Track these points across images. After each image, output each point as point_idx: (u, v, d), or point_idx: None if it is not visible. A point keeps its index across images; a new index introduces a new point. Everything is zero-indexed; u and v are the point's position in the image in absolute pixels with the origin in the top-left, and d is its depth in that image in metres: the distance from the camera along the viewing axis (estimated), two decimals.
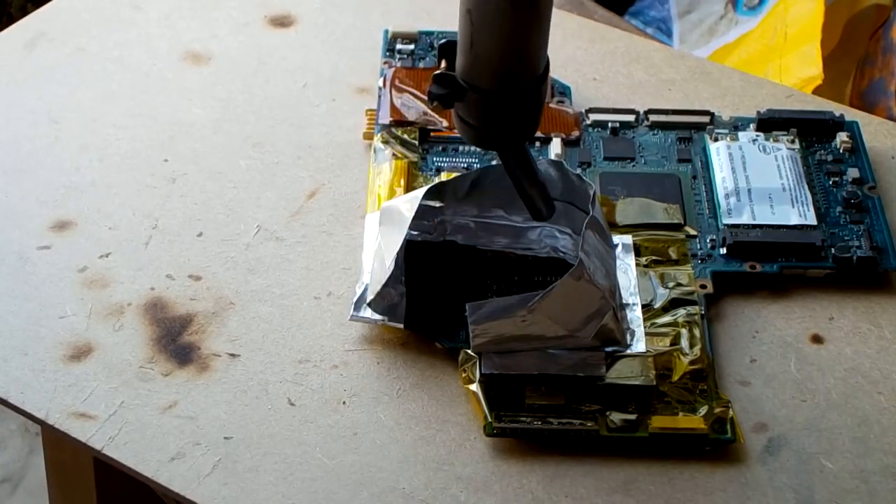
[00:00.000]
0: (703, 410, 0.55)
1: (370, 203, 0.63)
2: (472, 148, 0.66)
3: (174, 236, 0.63)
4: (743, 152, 0.66)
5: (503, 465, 0.54)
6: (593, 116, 0.68)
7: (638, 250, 0.61)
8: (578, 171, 0.64)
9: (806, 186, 0.64)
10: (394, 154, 0.65)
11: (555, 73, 0.69)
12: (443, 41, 0.55)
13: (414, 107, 0.67)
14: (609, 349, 0.56)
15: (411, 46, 0.72)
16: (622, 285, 0.59)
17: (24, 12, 1.06)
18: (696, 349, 0.57)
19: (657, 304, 0.59)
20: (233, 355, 0.58)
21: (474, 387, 0.55)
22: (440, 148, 0.66)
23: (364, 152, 0.67)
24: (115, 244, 0.62)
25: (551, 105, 0.68)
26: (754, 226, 0.62)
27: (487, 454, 0.54)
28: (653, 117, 0.68)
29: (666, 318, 0.58)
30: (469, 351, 0.56)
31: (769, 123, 0.68)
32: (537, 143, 0.67)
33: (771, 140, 0.67)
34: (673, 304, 0.59)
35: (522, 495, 0.53)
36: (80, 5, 0.77)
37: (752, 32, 1.08)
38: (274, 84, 0.72)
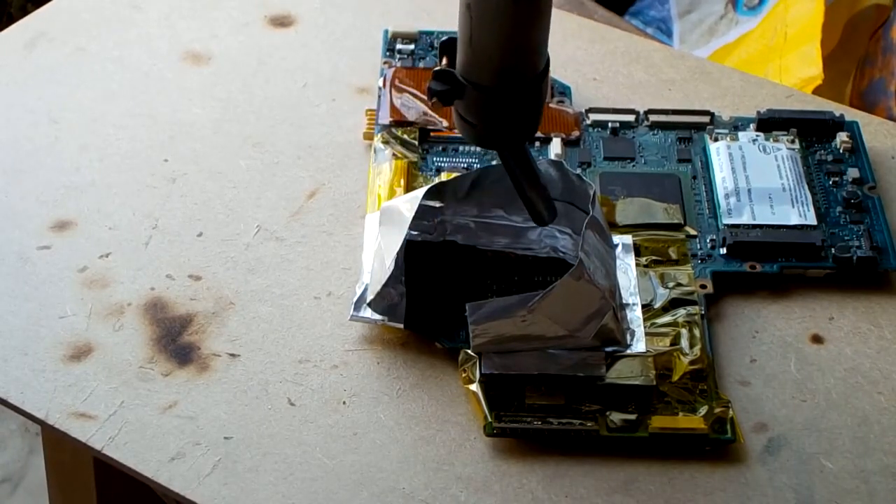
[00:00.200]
0: (703, 410, 0.55)
1: (370, 203, 0.63)
2: (472, 148, 0.66)
3: (174, 236, 0.63)
4: (743, 152, 0.66)
5: (503, 465, 0.54)
6: (593, 116, 0.68)
7: (638, 250, 0.61)
8: (578, 171, 0.64)
9: (806, 186, 0.64)
10: (394, 154, 0.65)
11: (555, 73, 0.69)
12: (444, 38, 0.55)
13: (414, 107, 0.67)
14: (609, 349, 0.56)
15: (411, 46, 0.72)
16: (622, 285, 0.59)
17: (24, 12, 1.06)
18: (696, 349, 0.57)
19: (657, 304, 0.59)
20: (233, 355, 0.58)
21: (474, 387, 0.55)
22: (440, 148, 0.66)
23: (364, 152, 0.67)
24: (115, 244, 0.62)
25: (551, 105, 0.68)
26: (754, 226, 0.62)
27: (487, 454, 0.54)
28: (653, 117, 0.68)
29: (666, 318, 0.58)
30: (469, 351, 0.56)
31: (769, 123, 0.68)
32: (537, 143, 0.67)
33: (771, 140, 0.67)
34: (673, 304, 0.59)
35: (522, 495, 0.53)
36: (80, 5, 0.77)
37: (752, 32, 1.08)
38: (274, 84, 0.72)
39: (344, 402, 0.56)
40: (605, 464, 0.54)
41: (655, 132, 0.68)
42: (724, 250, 0.62)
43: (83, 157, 0.67)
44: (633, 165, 0.66)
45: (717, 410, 0.55)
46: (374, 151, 0.66)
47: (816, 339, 0.59)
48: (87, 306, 0.59)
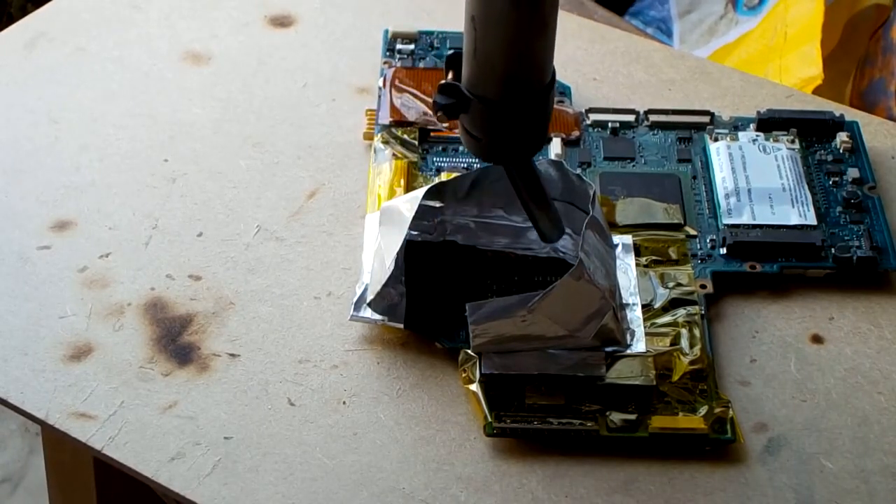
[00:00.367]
0: (703, 410, 0.55)
1: (370, 203, 0.63)
2: None
3: (174, 236, 0.63)
4: (743, 152, 0.66)
5: (503, 465, 0.54)
6: (593, 116, 0.68)
7: (638, 250, 0.61)
8: (578, 171, 0.64)
9: (806, 186, 0.64)
10: (394, 154, 0.65)
11: None
12: (450, 52, 0.55)
13: (414, 107, 0.67)
14: (609, 349, 0.56)
15: (411, 46, 0.72)
16: (622, 285, 0.59)
17: (24, 12, 1.06)
18: (696, 349, 0.57)
19: (657, 304, 0.59)
20: (233, 355, 0.58)
21: (474, 387, 0.55)
22: (440, 148, 0.66)
23: (364, 152, 0.67)
24: (115, 244, 0.62)
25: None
26: (754, 226, 0.62)
27: (487, 454, 0.54)
28: (653, 117, 0.68)
29: (666, 318, 0.58)
30: (469, 351, 0.56)
31: (769, 123, 0.68)
32: None
33: (771, 140, 0.67)
34: (673, 304, 0.59)
35: (522, 495, 0.53)
36: (80, 5, 0.77)
37: (752, 32, 1.08)
38: (274, 84, 0.72)
39: (344, 402, 0.56)
40: (605, 464, 0.54)
41: (655, 132, 0.68)
42: (724, 250, 0.62)
43: (83, 157, 0.67)
44: (633, 165, 0.66)
45: (717, 410, 0.55)
46: (374, 151, 0.66)
47: (816, 339, 0.59)
48: (87, 306, 0.59)
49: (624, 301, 0.58)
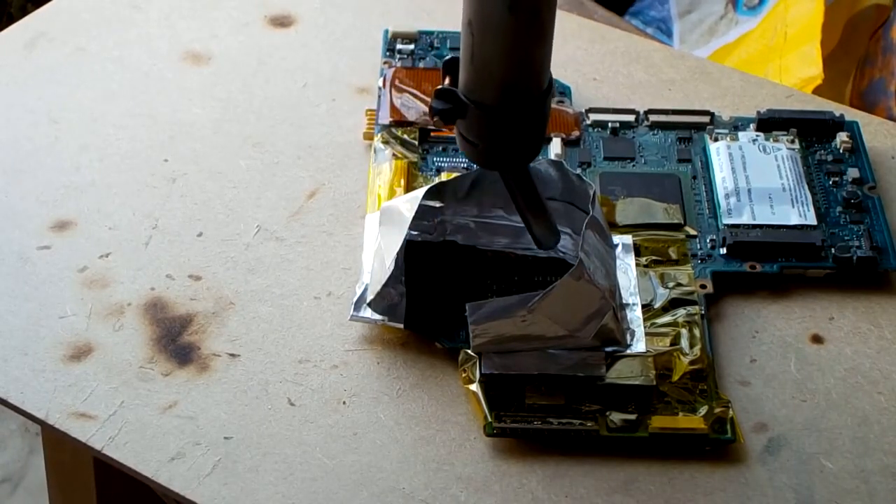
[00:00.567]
0: (703, 410, 0.55)
1: (370, 203, 0.63)
2: None
3: (174, 236, 0.63)
4: (743, 152, 0.66)
5: (503, 465, 0.54)
6: (593, 116, 0.68)
7: (638, 250, 0.61)
8: (578, 171, 0.64)
9: (806, 186, 0.64)
10: (394, 154, 0.65)
11: (555, 73, 0.68)
12: (447, 58, 0.55)
13: (414, 107, 0.67)
14: (609, 349, 0.56)
15: (411, 46, 0.72)
16: (622, 285, 0.59)
17: (24, 12, 1.06)
18: (696, 349, 0.57)
19: (657, 304, 0.59)
20: (233, 355, 0.58)
21: (474, 387, 0.55)
22: (440, 148, 0.66)
23: (364, 152, 0.67)
24: (115, 244, 0.62)
25: (551, 105, 0.68)
26: (754, 226, 0.62)
27: (487, 454, 0.54)
28: (653, 117, 0.68)
29: (666, 318, 0.58)
30: (469, 351, 0.56)
31: (769, 123, 0.68)
32: None
33: (771, 140, 0.67)
34: (673, 304, 0.59)
35: (522, 495, 0.53)
36: (80, 5, 0.77)
37: (752, 32, 1.08)
38: (274, 84, 0.72)
39: (344, 402, 0.56)
40: (605, 464, 0.54)
41: (655, 132, 0.68)
42: (724, 250, 0.62)
43: (83, 157, 0.67)
44: (633, 165, 0.66)
45: (717, 410, 0.55)
46: (374, 151, 0.66)
47: (816, 339, 0.59)
48: (87, 306, 0.59)
49: (624, 301, 0.58)
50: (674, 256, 0.61)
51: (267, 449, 0.54)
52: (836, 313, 0.60)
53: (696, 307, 0.58)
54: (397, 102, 0.67)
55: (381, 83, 0.69)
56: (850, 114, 0.70)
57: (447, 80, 0.55)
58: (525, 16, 0.51)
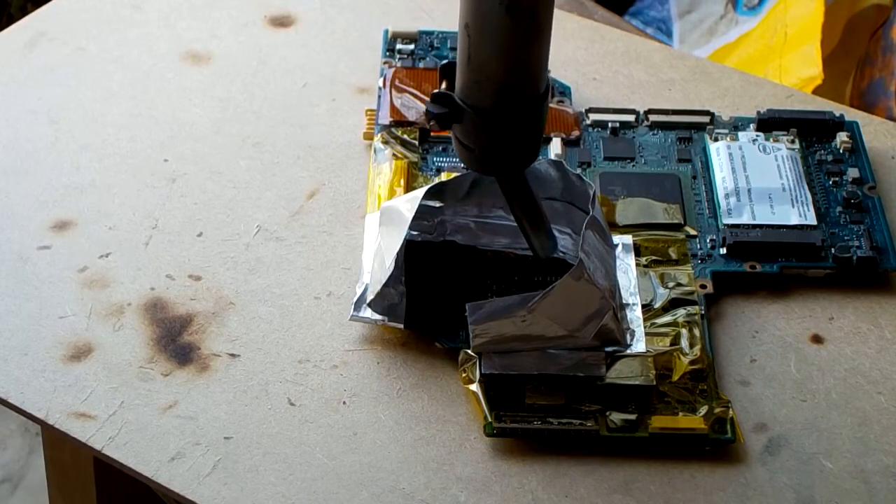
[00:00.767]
0: (703, 410, 0.55)
1: (370, 203, 0.63)
2: None
3: (174, 236, 0.63)
4: (743, 152, 0.66)
5: (503, 465, 0.54)
6: (593, 116, 0.68)
7: (638, 250, 0.61)
8: (578, 171, 0.64)
9: (806, 186, 0.64)
10: (394, 154, 0.65)
11: (555, 73, 0.69)
12: (444, 62, 0.55)
13: (414, 107, 0.67)
14: (609, 349, 0.56)
15: (411, 46, 0.72)
16: (622, 285, 0.59)
17: (24, 12, 1.06)
18: (696, 349, 0.57)
19: (657, 304, 0.59)
20: (233, 355, 0.58)
21: (474, 387, 0.55)
22: (440, 148, 0.66)
23: (364, 152, 0.67)
24: (115, 244, 0.62)
25: (551, 105, 0.68)
26: (754, 226, 0.62)
27: (487, 454, 0.54)
28: (653, 117, 0.68)
29: (666, 318, 0.58)
30: (469, 351, 0.56)
31: (769, 123, 0.68)
32: None
33: (771, 140, 0.67)
34: (673, 304, 0.59)
35: (522, 495, 0.53)
36: (80, 5, 0.77)
37: (752, 32, 1.08)
38: (274, 84, 0.72)
39: (344, 402, 0.56)
40: (605, 464, 0.54)
41: (655, 132, 0.68)
42: (724, 250, 0.62)
43: (83, 157, 0.67)
44: (633, 165, 0.66)
45: (717, 410, 0.55)
46: (374, 151, 0.66)
47: (816, 339, 0.59)
48: (87, 306, 0.59)
49: (624, 301, 0.58)
50: (674, 256, 0.61)
51: (267, 449, 0.54)
52: (836, 313, 0.60)
53: (696, 307, 0.58)
54: (397, 102, 0.67)
55: (381, 83, 0.69)
56: (850, 114, 0.70)
57: (444, 85, 0.54)
58: (522, 18, 0.50)
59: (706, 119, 0.68)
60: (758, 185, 0.64)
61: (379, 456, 0.54)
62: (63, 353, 0.57)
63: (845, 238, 0.62)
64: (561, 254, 0.60)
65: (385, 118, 0.67)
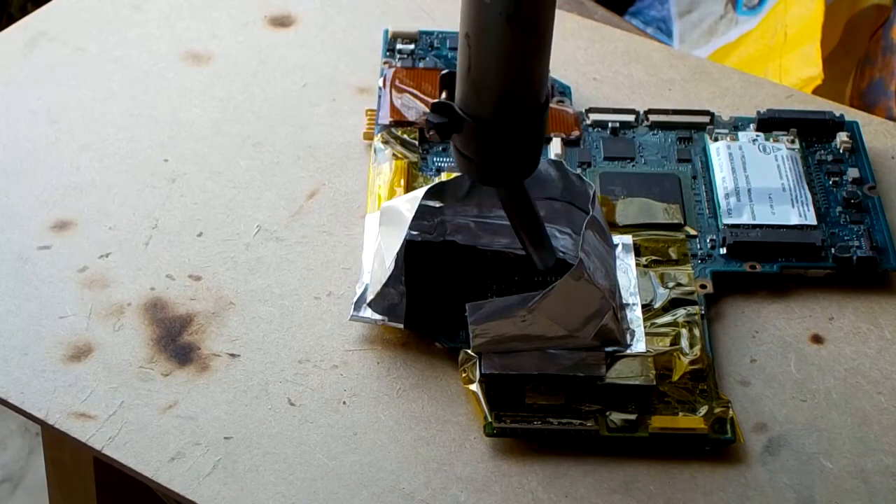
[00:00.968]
0: (703, 410, 0.55)
1: (370, 203, 0.63)
2: None
3: (174, 236, 0.63)
4: (743, 152, 0.66)
5: (503, 465, 0.54)
6: (593, 116, 0.68)
7: (638, 250, 0.61)
8: (578, 171, 0.64)
9: (806, 186, 0.64)
10: (394, 154, 0.65)
11: (555, 73, 0.69)
12: (444, 71, 0.55)
13: (414, 107, 0.67)
14: (609, 349, 0.56)
15: (411, 46, 0.72)
16: (622, 285, 0.59)
17: (24, 12, 1.06)
18: (696, 349, 0.57)
19: (657, 304, 0.59)
20: (233, 355, 0.58)
21: (474, 387, 0.55)
22: (440, 148, 0.66)
23: (364, 152, 0.67)
24: (115, 244, 0.62)
25: (551, 105, 0.68)
26: (754, 226, 0.62)
27: (487, 454, 0.54)
28: (653, 117, 0.68)
29: (666, 318, 0.58)
30: (469, 351, 0.56)
31: (769, 123, 0.68)
32: None
33: (771, 140, 0.67)
34: (673, 304, 0.59)
35: (522, 495, 0.53)
36: (80, 5, 0.77)
37: (752, 32, 1.08)
38: (274, 84, 0.72)
39: (344, 402, 0.56)
40: (605, 464, 0.54)
41: (655, 132, 0.68)
42: (724, 250, 0.62)
43: (83, 157, 0.67)
44: (633, 165, 0.66)
45: (717, 410, 0.55)
46: (374, 151, 0.66)
47: (816, 339, 0.59)
48: (87, 306, 0.59)
49: (624, 301, 0.58)
50: (674, 256, 0.61)
51: (267, 449, 0.54)
52: (836, 313, 0.60)
53: (696, 307, 0.58)
54: (397, 102, 0.67)
55: (381, 83, 0.69)
56: (850, 114, 0.70)
57: (444, 94, 0.54)
58: (523, 29, 0.50)
59: (706, 119, 0.68)
60: (758, 185, 0.64)
61: (379, 456, 0.54)
62: (63, 353, 0.57)
63: (845, 238, 0.62)
64: (561, 254, 0.60)
65: (385, 118, 0.67)
